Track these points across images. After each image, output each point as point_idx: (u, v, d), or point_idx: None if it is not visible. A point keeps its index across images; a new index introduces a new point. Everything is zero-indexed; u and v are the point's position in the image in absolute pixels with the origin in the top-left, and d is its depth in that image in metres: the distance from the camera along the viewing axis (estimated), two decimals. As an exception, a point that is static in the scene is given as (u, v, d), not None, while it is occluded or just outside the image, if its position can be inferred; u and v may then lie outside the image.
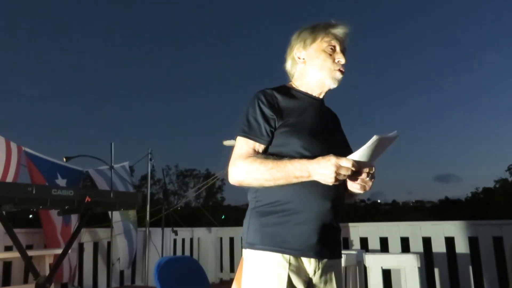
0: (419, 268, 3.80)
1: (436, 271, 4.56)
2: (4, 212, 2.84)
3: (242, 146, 1.55)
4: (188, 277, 2.70)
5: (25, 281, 4.70)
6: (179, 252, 5.91)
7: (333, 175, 1.37)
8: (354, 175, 1.42)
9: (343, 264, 3.62)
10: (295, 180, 1.45)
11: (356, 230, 5.03)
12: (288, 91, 1.66)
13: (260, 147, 1.55)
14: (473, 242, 4.47)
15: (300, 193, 1.49)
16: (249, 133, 1.55)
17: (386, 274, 4.47)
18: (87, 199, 3.05)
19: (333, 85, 1.65)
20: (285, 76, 1.78)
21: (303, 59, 1.68)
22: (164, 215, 5.55)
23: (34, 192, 2.78)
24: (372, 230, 4.97)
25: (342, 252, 3.93)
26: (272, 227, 1.50)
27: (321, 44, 1.65)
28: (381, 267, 3.95)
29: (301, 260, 1.50)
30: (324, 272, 1.54)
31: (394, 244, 4.82)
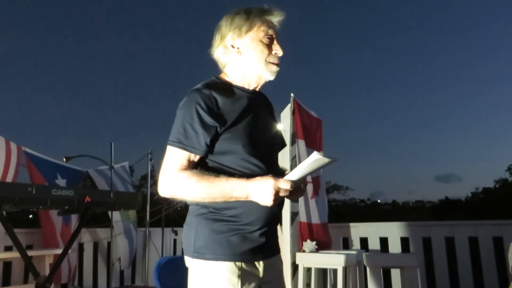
0: (419, 268, 3.80)
1: (436, 271, 4.56)
2: (4, 212, 2.84)
3: (176, 156, 1.43)
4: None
5: (25, 281, 4.70)
6: (179, 252, 5.91)
7: (272, 197, 1.36)
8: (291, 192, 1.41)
9: (343, 264, 3.63)
10: (232, 200, 1.40)
11: (356, 230, 5.03)
12: (225, 88, 1.53)
13: (196, 158, 1.45)
14: (473, 242, 4.47)
15: (249, 201, 1.43)
16: (185, 143, 1.43)
17: (386, 274, 4.47)
18: (87, 199, 3.05)
19: (270, 77, 1.56)
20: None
21: (238, 48, 1.55)
22: (164, 215, 5.55)
23: (34, 192, 2.77)
24: (372, 230, 4.97)
25: (342, 252, 3.96)
26: (223, 235, 1.44)
27: (258, 33, 1.53)
28: (381, 267, 3.96)
29: (252, 264, 1.48)
30: (270, 269, 1.54)
31: (394, 244, 4.81)
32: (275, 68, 1.55)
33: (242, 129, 1.47)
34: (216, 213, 1.46)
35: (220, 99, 1.47)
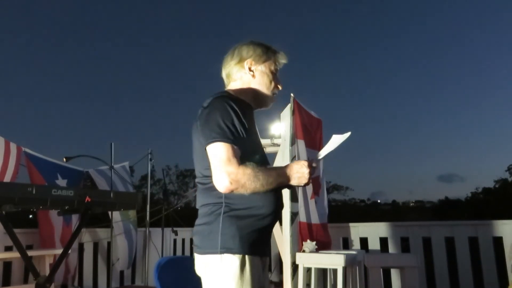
0: (419, 268, 3.80)
1: (436, 271, 4.56)
2: (4, 212, 2.84)
3: (229, 152, 1.54)
4: (188, 277, 2.69)
5: (25, 281, 4.70)
6: (179, 252, 5.92)
7: (308, 175, 1.61)
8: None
9: (343, 264, 3.63)
10: (280, 186, 1.62)
11: (356, 230, 5.03)
12: (240, 101, 1.71)
13: (240, 153, 1.58)
14: (473, 242, 4.47)
15: (268, 199, 1.62)
16: (232, 138, 1.56)
17: (386, 274, 4.48)
18: (87, 199, 3.04)
19: (267, 106, 1.81)
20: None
21: (253, 71, 1.76)
22: (164, 215, 5.55)
23: (34, 192, 2.77)
24: (372, 230, 4.97)
25: (342, 252, 3.96)
26: (248, 232, 1.59)
27: (271, 65, 1.78)
28: (381, 267, 3.96)
29: (262, 259, 1.67)
30: (266, 267, 1.75)
31: (394, 244, 4.82)
32: (273, 99, 1.81)
33: (254, 137, 1.71)
34: (243, 211, 1.59)
35: (241, 107, 1.65)
